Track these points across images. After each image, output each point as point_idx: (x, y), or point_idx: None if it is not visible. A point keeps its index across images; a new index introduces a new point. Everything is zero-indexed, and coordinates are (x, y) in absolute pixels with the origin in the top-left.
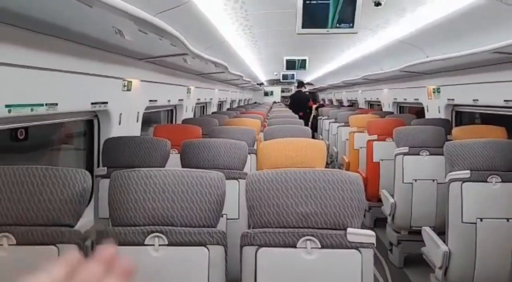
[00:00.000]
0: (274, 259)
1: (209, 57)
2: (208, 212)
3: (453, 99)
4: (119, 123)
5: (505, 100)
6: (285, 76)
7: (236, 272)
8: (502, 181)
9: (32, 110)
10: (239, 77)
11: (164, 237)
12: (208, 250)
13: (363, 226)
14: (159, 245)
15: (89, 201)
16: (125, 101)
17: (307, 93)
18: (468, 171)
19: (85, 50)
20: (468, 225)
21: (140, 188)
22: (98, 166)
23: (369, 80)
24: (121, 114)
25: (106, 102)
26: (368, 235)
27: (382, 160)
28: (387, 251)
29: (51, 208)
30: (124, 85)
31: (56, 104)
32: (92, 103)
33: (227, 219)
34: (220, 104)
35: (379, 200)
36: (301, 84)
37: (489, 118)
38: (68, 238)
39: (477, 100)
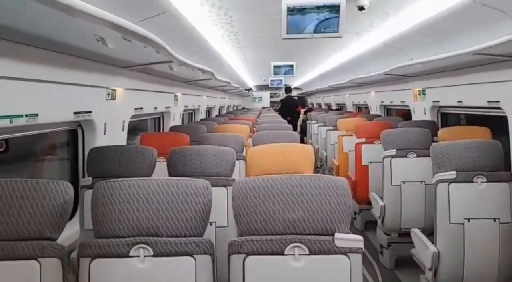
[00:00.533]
0: (262, 267)
1: (195, 64)
2: (194, 221)
3: (438, 101)
4: (104, 133)
5: (488, 101)
6: (273, 82)
7: (224, 280)
8: (488, 181)
9: (11, 122)
10: (227, 84)
11: (149, 248)
12: (195, 260)
13: (353, 229)
14: (145, 256)
15: (74, 212)
16: (109, 110)
17: (296, 98)
18: (454, 172)
19: (67, 59)
20: (455, 226)
21: (124, 198)
22: (84, 177)
23: (356, 84)
24: (105, 123)
25: (90, 112)
26: (356, 240)
27: (370, 163)
28: (378, 253)
29: (31, 221)
30: (108, 94)
31: (37, 115)
32: (75, 113)
33: (216, 227)
34: (209, 111)
35: (369, 203)
36: (289, 89)
37: (473, 119)
38: (50, 252)
39: (461, 101)
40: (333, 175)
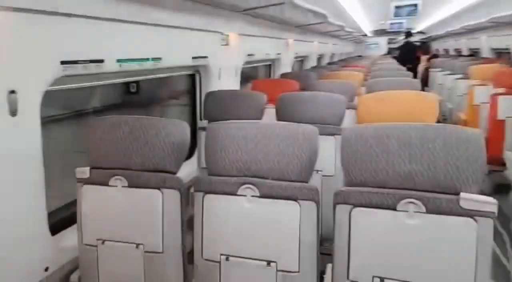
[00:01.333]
0: (370, 220)
1: (307, 6)
2: (300, 167)
3: None
4: (219, 78)
5: None
6: (392, 25)
7: (330, 229)
8: None
9: (140, 64)
10: (340, 28)
11: (256, 188)
12: (300, 205)
13: (480, 193)
14: (251, 196)
15: (193, 152)
16: (223, 55)
17: (417, 43)
18: None
19: (186, 4)
20: None
21: (234, 139)
22: (201, 119)
23: (498, 24)
24: (220, 68)
25: (206, 57)
26: (488, 202)
27: (508, 117)
28: (510, 221)
29: (155, 155)
30: (223, 39)
31: (161, 58)
32: (193, 58)
33: (322, 175)
34: (320, 58)
35: (503, 164)
36: (409, 34)
37: None
38: (170, 184)
39: None
40: None
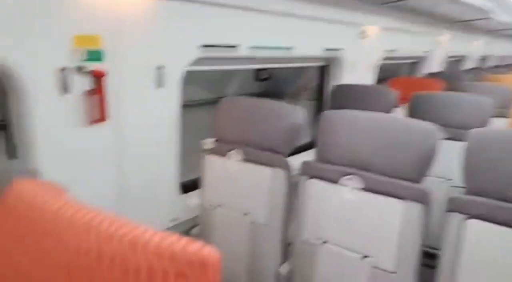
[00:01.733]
0: (488, 236)
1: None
2: (412, 166)
3: None
4: (351, 72)
5: None
6: None
7: (437, 236)
8: None
9: (271, 52)
10: (508, 27)
11: (360, 180)
12: (406, 205)
13: None
14: (354, 188)
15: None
16: (359, 49)
17: None
18: None
19: None
20: None
21: (345, 128)
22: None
23: None
24: (353, 62)
25: (340, 49)
26: None
27: None
28: None
29: (269, 135)
30: (361, 33)
31: (292, 48)
32: (325, 49)
33: (450, 186)
34: (483, 60)
35: None
36: None
37: None
38: (279, 164)
39: None
40: None
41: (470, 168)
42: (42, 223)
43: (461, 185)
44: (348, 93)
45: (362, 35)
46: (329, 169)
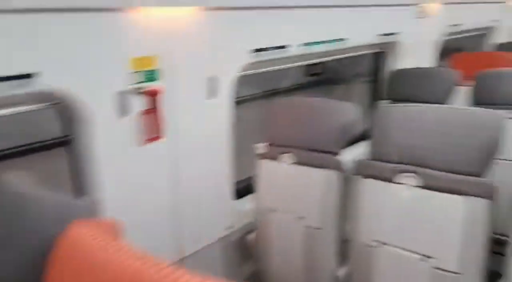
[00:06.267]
0: None
1: None
2: (473, 158)
3: None
4: (409, 55)
5: None
6: None
7: (508, 226)
8: None
9: (323, 47)
10: None
11: (418, 178)
12: (469, 201)
13: None
14: (412, 185)
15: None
16: (417, 29)
17: None
18: None
19: None
20: None
21: (400, 124)
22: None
23: None
24: (412, 44)
25: (395, 33)
26: None
27: None
28: None
29: (321, 135)
30: (418, 12)
31: (346, 39)
32: (379, 35)
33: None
34: None
35: None
36: None
37: None
38: (330, 165)
39: None
40: None
41: None
42: (95, 269)
43: None
44: (406, 78)
45: (421, 14)
46: (385, 167)
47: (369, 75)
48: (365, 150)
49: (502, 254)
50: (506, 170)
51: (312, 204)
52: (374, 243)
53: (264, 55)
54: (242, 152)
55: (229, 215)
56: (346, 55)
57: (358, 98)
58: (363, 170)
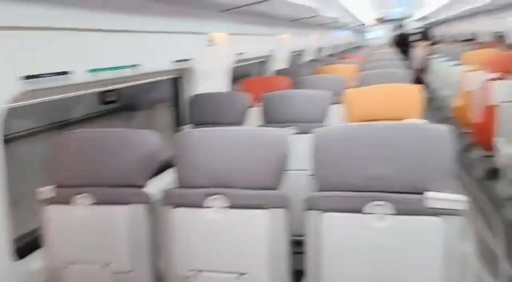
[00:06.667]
0: (340, 225)
1: (298, 1)
2: (268, 173)
3: None
4: (205, 80)
5: None
6: (390, 14)
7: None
8: None
9: (114, 73)
10: (335, 20)
11: (225, 199)
12: (269, 213)
13: (473, 179)
14: (220, 207)
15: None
16: (210, 56)
17: (417, 30)
18: None
19: (165, 7)
20: None
21: (201, 147)
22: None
23: (496, 7)
24: (206, 70)
25: (190, 59)
26: (454, 200)
27: (502, 103)
28: (500, 207)
29: (122, 169)
30: (208, 40)
31: (139, 65)
32: (174, 61)
33: (307, 175)
34: (319, 51)
35: (494, 149)
36: (400, 26)
37: None
38: (138, 199)
39: None
40: (450, 118)
41: (319, 164)
42: None
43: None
44: (205, 102)
45: (211, 42)
46: (192, 193)
47: (170, 100)
48: (172, 178)
49: (301, 253)
50: (294, 178)
51: (118, 246)
52: (191, 273)
53: (41, 83)
54: (21, 200)
55: (10, 279)
56: (143, 81)
57: (161, 124)
58: (171, 200)
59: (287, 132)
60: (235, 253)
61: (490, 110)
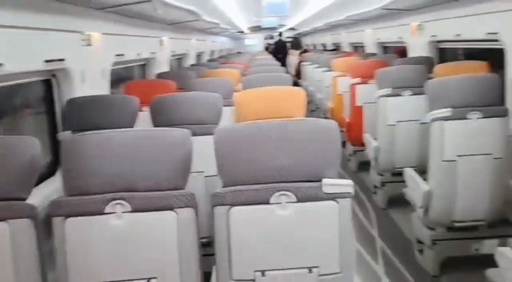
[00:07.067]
0: (247, 217)
1: (179, 4)
2: (174, 173)
3: (436, 36)
4: (82, 82)
5: (487, 33)
6: (266, 23)
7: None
8: (483, 117)
9: None
10: (216, 25)
11: (126, 203)
12: (177, 214)
13: (348, 171)
14: (122, 212)
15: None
16: (86, 57)
17: (289, 39)
18: (449, 109)
19: (34, 1)
20: (448, 163)
21: (96, 152)
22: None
23: (353, 21)
24: (83, 71)
25: (63, 60)
26: (345, 185)
27: (365, 104)
28: (371, 193)
29: (1, 180)
30: (84, 40)
31: (1, 65)
32: (46, 61)
33: (205, 176)
34: (199, 56)
35: (364, 144)
36: (280, 34)
37: (471, 54)
38: (19, 213)
39: (460, 35)
40: (328, 118)
41: (222, 162)
42: None
43: (213, 174)
44: (85, 107)
45: (87, 42)
46: (88, 201)
47: (43, 105)
48: (57, 187)
49: (211, 254)
50: (196, 181)
51: (1, 268)
52: None
53: None
54: None
55: None
56: (8, 83)
57: (31, 131)
58: (62, 210)
59: (189, 133)
60: (144, 259)
61: (357, 111)
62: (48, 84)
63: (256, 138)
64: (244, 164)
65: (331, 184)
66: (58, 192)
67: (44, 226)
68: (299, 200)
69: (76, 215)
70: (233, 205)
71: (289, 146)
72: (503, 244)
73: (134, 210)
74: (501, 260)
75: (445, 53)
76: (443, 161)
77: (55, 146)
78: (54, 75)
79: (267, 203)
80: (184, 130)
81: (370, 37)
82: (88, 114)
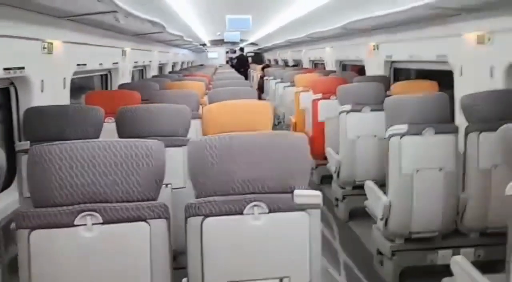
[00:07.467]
0: (220, 228)
1: (143, 16)
2: (147, 184)
3: (391, 56)
4: (42, 91)
5: (437, 56)
6: (228, 37)
7: (184, 243)
8: (436, 133)
9: None
10: (179, 38)
11: (97, 215)
12: (149, 225)
13: (311, 184)
14: (93, 224)
15: (12, 179)
16: (47, 66)
17: (251, 54)
18: (406, 125)
19: None
20: (406, 176)
21: (65, 163)
22: (20, 140)
23: (313, 39)
24: (42, 80)
25: (23, 68)
26: (314, 196)
27: (327, 118)
28: (334, 206)
29: None
30: (44, 48)
31: None
32: (4, 69)
33: (172, 188)
34: (161, 68)
35: (326, 158)
36: (241, 49)
37: (423, 74)
38: None
39: (412, 56)
40: (292, 132)
41: (195, 173)
42: None
43: (180, 186)
44: (45, 116)
45: (47, 50)
46: (56, 213)
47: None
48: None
49: (183, 268)
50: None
51: None
52: None
53: None
54: None
55: None
56: None
57: None
58: (27, 221)
59: (162, 144)
60: (115, 273)
61: (319, 125)
62: (5, 92)
63: (229, 150)
64: (217, 175)
65: (302, 195)
66: (15, 202)
67: (3, 238)
68: (271, 211)
69: (44, 227)
70: (207, 215)
71: (261, 158)
72: (456, 254)
73: (106, 222)
74: (455, 268)
75: (399, 73)
76: (400, 174)
77: (11, 156)
78: (12, 83)
79: (241, 213)
80: (157, 141)
81: (330, 55)
82: (48, 125)
